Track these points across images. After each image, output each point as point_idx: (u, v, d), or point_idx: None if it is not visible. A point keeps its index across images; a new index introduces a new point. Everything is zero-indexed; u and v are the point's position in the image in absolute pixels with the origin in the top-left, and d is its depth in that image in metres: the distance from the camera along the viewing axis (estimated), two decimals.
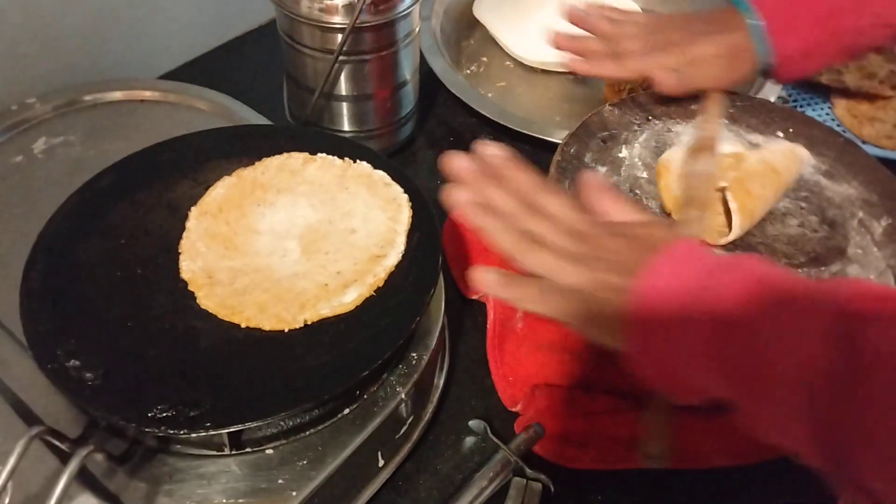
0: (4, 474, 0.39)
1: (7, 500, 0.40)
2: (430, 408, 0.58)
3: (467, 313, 0.68)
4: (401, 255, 0.53)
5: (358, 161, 0.59)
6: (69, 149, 0.67)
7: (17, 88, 0.72)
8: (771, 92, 0.82)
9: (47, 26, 0.74)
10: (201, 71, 0.88)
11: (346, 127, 0.76)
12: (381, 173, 0.58)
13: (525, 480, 0.55)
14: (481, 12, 0.94)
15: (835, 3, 0.62)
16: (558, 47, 0.72)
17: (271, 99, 0.80)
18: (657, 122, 0.67)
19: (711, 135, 0.62)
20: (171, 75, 0.86)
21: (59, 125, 0.69)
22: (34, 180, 0.65)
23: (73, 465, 0.39)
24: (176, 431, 0.43)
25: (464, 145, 0.83)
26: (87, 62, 0.79)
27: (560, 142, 0.65)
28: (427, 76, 0.83)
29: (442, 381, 0.60)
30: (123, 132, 0.69)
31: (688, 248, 0.42)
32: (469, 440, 0.60)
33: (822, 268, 0.56)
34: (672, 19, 0.73)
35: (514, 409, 0.61)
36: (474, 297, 0.68)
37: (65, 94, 0.71)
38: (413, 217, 0.55)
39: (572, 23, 0.72)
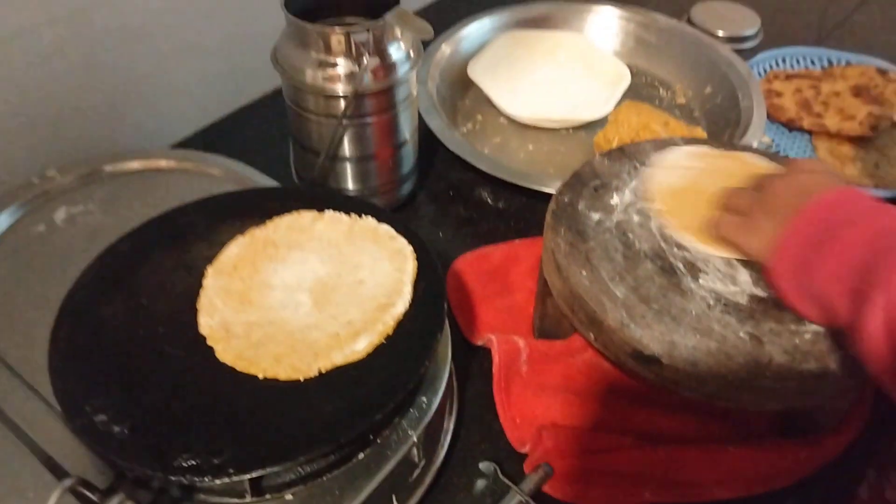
0: None
1: None
2: (442, 452, 0.60)
3: (473, 359, 0.70)
4: (408, 303, 0.56)
5: (363, 216, 0.63)
6: (89, 217, 0.71)
7: (37, 161, 0.76)
8: (753, 137, 0.87)
9: (64, 102, 0.79)
10: (211, 139, 0.93)
11: (351, 186, 0.80)
12: (386, 227, 0.62)
13: None
14: (475, 74, 0.99)
15: None
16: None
17: (278, 162, 0.84)
18: (645, 170, 0.70)
19: None
20: (184, 143, 0.91)
21: (79, 195, 0.73)
22: (56, 248, 0.68)
23: None
24: (200, 479, 0.45)
25: (463, 199, 0.88)
26: (104, 134, 0.84)
27: (554, 192, 0.68)
28: (426, 135, 0.87)
29: (451, 426, 0.62)
30: (141, 200, 0.72)
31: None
32: (480, 483, 0.61)
33: None
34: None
35: (522, 451, 0.62)
36: (479, 342, 0.70)
37: (83, 165, 0.75)
38: (418, 267, 0.58)
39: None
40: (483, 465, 0.61)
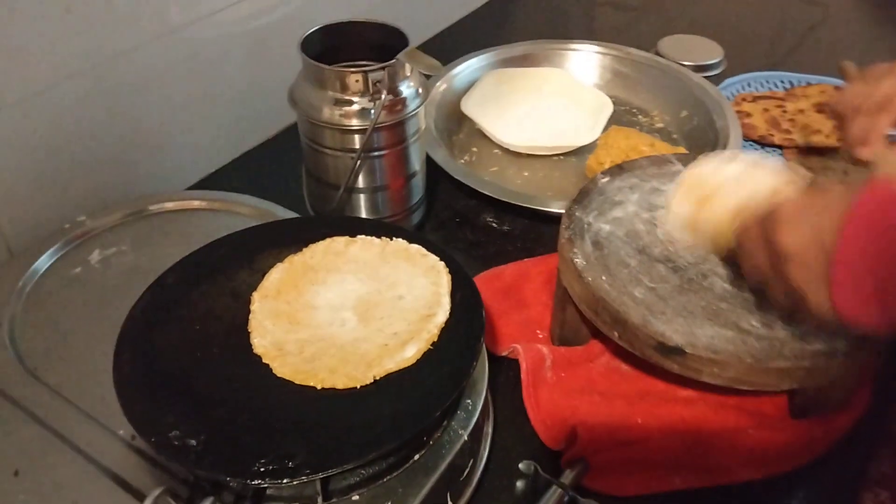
0: None
1: None
2: (485, 453, 0.63)
3: (499, 371, 0.74)
4: (448, 312, 0.60)
5: (394, 238, 0.67)
6: (123, 257, 0.74)
7: (66, 209, 0.79)
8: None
9: (85, 152, 0.82)
10: (220, 182, 0.96)
11: (364, 216, 0.84)
12: (416, 246, 0.66)
13: None
14: (468, 108, 1.05)
15: None
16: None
17: (289, 198, 0.87)
18: (644, 184, 0.76)
19: None
20: (198, 185, 0.95)
21: (111, 237, 0.76)
22: (95, 287, 0.71)
23: None
24: (279, 481, 0.48)
25: (469, 225, 0.93)
26: (124, 180, 0.87)
27: (559, 211, 0.73)
28: (429, 167, 0.92)
29: (490, 430, 0.65)
30: (170, 239, 0.75)
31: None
32: (520, 483, 0.64)
33: None
34: None
35: (556, 448, 0.66)
36: (503, 353, 0.74)
37: (112, 209, 0.78)
38: (452, 280, 0.63)
39: None
40: (523, 465, 0.64)
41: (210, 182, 0.96)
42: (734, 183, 0.66)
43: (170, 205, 0.80)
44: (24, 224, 0.78)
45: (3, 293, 0.69)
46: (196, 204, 0.81)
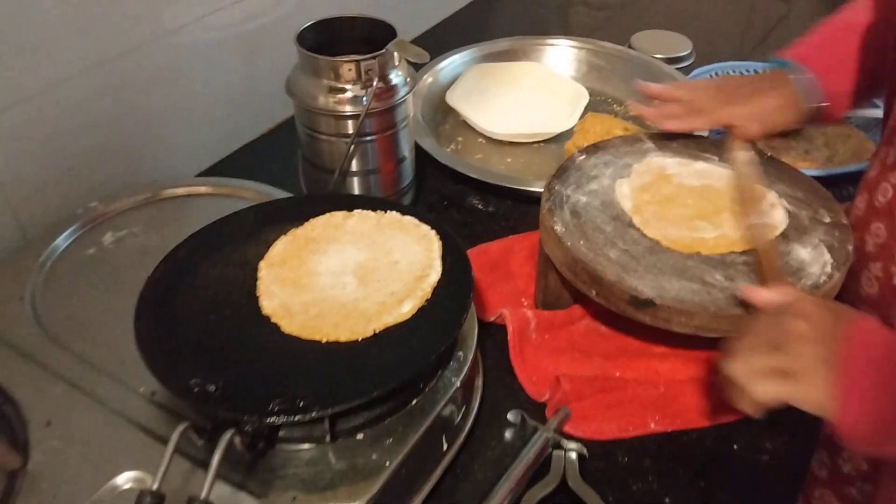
0: (167, 455, 0.49)
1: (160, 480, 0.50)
2: (475, 404, 0.69)
3: (486, 334, 0.79)
4: (440, 273, 0.65)
5: (388, 212, 0.73)
6: (135, 239, 0.79)
7: (78, 198, 0.84)
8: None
9: (95, 142, 0.87)
10: (224, 172, 1.02)
11: None
12: (409, 217, 0.72)
13: (563, 452, 0.66)
14: (453, 100, 1.11)
15: (854, 47, 0.77)
16: (654, 119, 0.84)
17: (286, 185, 0.92)
18: (618, 160, 0.83)
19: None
20: (201, 175, 1.00)
21: (122, 221, 0.81)
22: (109, 266, 0.76)
23: (223, 443, 0.50)
24: (291, 417, 0.53)
25: (456, 207, 0.99)
26: (131, 169, 0.92)
27: (540, 190, 0.79)
28: (417, 155, 0.97)
29: (480, 383, 0.71)
30: (179, 221, 0.80)
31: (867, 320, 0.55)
32: (509, 432, 0.70)
33: None
34: (730, 81, 0.93)
35: (541, 400, 0.72)
36: (491, 319, 0.80)
37: (123, 195, 0.83)
38: (442, 246, 0.68)
39: (653, 97, 0.86)
40: (511, 415, 0.70)
41: (212, 172, 1.01)
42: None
43: (178, 190, 0.85)
44: (38, 211, 0.83)
45: (24, 271, 0.73)
46: (203, 189, 0.86)
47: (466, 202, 0.99)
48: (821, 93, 0.78)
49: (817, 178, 0.81)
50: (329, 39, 0.86)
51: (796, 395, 0.54)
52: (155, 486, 0.49)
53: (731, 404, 0.58)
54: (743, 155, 0.79)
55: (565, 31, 1.45)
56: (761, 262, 0.68)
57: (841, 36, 0.79)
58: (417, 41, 1.32)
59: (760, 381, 0.55)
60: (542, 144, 1.09)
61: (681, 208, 0.75)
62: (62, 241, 0.78)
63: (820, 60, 0.79)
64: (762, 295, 0.61)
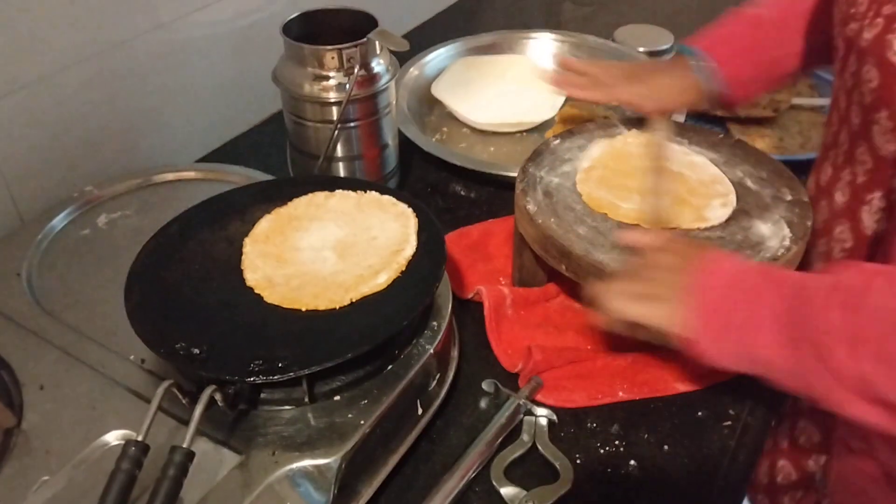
0: (152, 409, 0.52)
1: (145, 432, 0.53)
2: (450, 374, 0.72)
3: (465, 311, 0.83)
4: (415, 248, 0.69)
5: (368, 192, 0.76)
6: (127, 220, 0.82)
7: (74, 180, 0.88)
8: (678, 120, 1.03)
9: (90, 130, 0.91)
10: (213, 161, 1.05)
11: None
12: (388, 197, 0.75)
13: (534, 418, 0.70)
14: (439, 92, 1.14)
15: (757, 39, 0.83)
16: (555, 83, 0.90)
17: (274, 171, 0.96)
18: (591, 144, 0.86)
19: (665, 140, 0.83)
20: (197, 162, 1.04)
21: (115, 204, 0.84)
22: (103, 245, 0.79)
23: (204, 397, 0.53)
24: (271, 377, 0.57)
25: (440, 194, 1.02)
26: (124, 157, 0.96)
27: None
28: (403, 145, 1.01)
29: (456, 354, 0.74)
30: (171, 204, 0.83)
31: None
32: (484, 401, 0.74)
33: (735, 224, 0.74)
34: (636, 64, 1.00)
35: (515, 371, 0.75)
36: (469, 296, 0.83)
37: (116, 180, 0.86)
38: (419, 223, 0.72)
39: (565, 67, 0.92)
40: (485, 384, 0.73)
41: (204, 161, 1.05)
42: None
43: (169, 175, 0.89)
44: (34, 196, 0.87)
45: (21, 249, 0.77)
46: (193, 175, 0.90)
47: (450, 189, 1.03)
48: (722, 80, 0.83)
49: (789, 163, 0.84)
50: (314, 31, 0.90)
51: (653, 315, 0.60)
52: (140, 438, 0.52)
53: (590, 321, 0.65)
54: (658, 133, 0.83)
55: (552, 26, 1.48)
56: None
57: (747, 29, 0.85)
58: (406, 37, 1.36)
59: (621, 301, 0.61)
60: (524, 134, 1.13)
61: (625, 180, 0.79)
62: (58, 221, 0.81)
63: (723, 50, 0.84)
64: (635, 236, 0.69)
